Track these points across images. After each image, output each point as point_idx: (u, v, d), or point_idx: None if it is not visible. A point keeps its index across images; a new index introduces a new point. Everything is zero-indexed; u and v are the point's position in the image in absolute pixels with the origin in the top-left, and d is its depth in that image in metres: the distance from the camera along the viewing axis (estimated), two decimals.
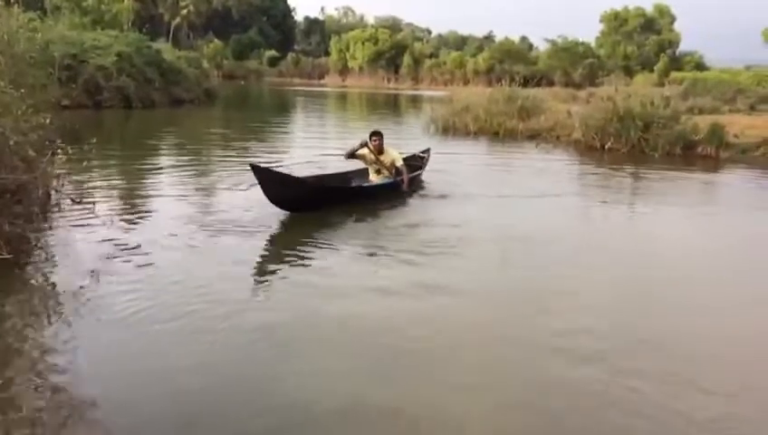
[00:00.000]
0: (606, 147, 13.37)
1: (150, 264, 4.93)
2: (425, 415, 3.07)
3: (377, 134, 7.69)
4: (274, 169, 7.16)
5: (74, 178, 7.03)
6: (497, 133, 15.71)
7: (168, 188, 8.21)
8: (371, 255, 5.52)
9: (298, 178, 6.88)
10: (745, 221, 7.75)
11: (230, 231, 5.94)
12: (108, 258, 4.97)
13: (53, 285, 4.48)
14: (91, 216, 6.01)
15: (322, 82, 59.66)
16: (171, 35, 53.33)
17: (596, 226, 7.45)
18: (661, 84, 29.72)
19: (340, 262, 5.30)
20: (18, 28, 7.59)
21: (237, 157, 11.08)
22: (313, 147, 13.10)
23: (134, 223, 6.30)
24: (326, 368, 3.48)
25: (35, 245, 5.17)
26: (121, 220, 6.26)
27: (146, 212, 6.98)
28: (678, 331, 4.22)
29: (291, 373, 3.39)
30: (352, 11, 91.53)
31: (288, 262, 5.38)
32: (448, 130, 16.34)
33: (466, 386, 3.37)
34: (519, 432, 3.03)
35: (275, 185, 6.41)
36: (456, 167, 10.48)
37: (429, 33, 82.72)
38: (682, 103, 16.37)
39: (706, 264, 5.98)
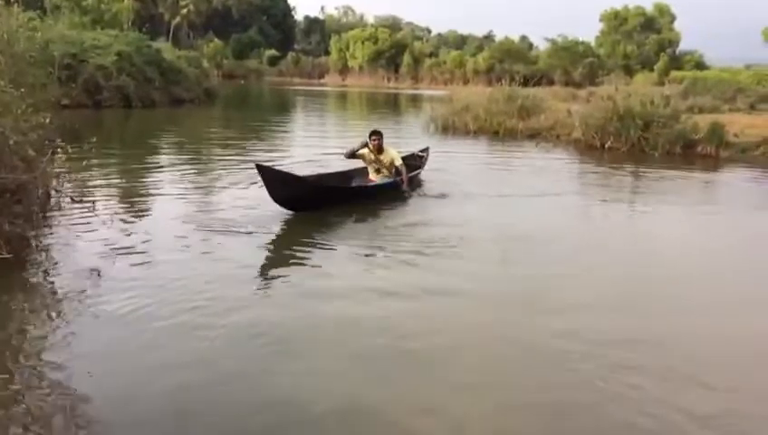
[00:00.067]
0: (606, 146, 13.37)
1: (150, 262, 4.94)
2: (424, 415, 3.08)
3: (376, 133, 7.69)
4: (277, 168, 7.15)
5: (74, 177, 7.02)
6: (497, 132, 15.71)
7: (168, 187, 8.21)
8: (371, 255, 5.51)
9: (299, 177, 6.88)
10: (745, 220, 7.75)
11: (229, 230, 5.95)
12: (107, 257, 4.98)
13: (53, 283, 4.49)
14: (90, 215, 6.01)
15: (322, 81, 59.63)
16: (171, 35, 53.32)
17: (596, 225, 7.45)
18: (661, 83, 29.73)
19: (339, 262, 5.30)
20: (18, 27, 7.58)
21: (237, 156, 11.08)
22: (313, 146, 13.11)
23: (134, 222, 6.31)
24: (324, 367, 3.48)
25: (35, 244, 5.18)
26: (121, 219, 6.27)
27: (145, 211, 6.99)
28: (678, 329, 4.22)
29: (289, 372, 3.40)
30: (352, 10, 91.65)
31: (287, 261, 5.38)
32: (448, 129, 16.34)
33: (466, 385, 3.37)
34: (520, 431, 3.03)
35: (278, 184, 6.42)
36: (456, 166, 10.48)
37: (429, 32, 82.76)
38: (682, 102, 16.36)
39: (706, 263, 5.98)
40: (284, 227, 6.31)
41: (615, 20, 52.10)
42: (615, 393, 3.31)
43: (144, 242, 5.48)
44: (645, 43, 50.19)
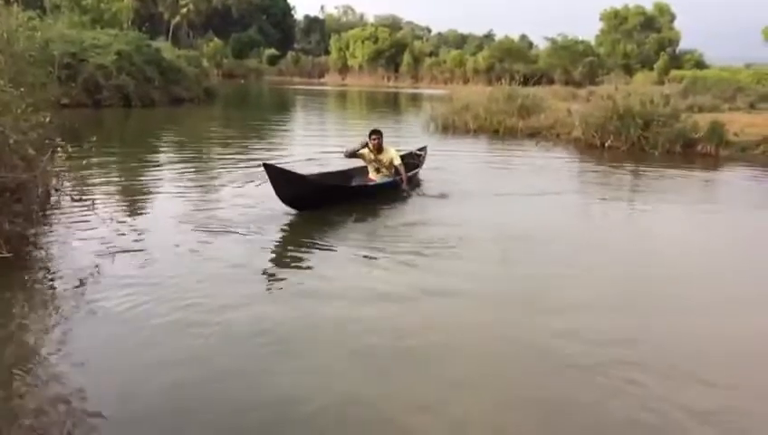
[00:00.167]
0: (606, 145, 13.37)
1: (148, 261, 4.95)
2: (424, 412, 3.08)
3: (376, 133, 7.69)
4: (283, 166, 7.12)
5: (74, 176, 7.03)
6: (497, 131, 15.71)
7: (167, 185, 8.22)
8: (370, 254, 5.50)
9: (303, 176, 6.88)
10: (745, 219, 7.75)
11: (229, 229, 5.95)
12: (107, 255, 4.99)
13: (52, 282, 4.50)
14: (90, 214, 6.01)
15: (322, 80, 59.59)
16: (171, 34, 53.30)
17: (596, 224, 7.45)
18: (661, 82, 29.77)
19: (338, 261, 5.29)
20: (18, 27, 7.57)
21: (237, 155, 11.08)
22: (313, 145, 13.12)
23: (133, 221, 6.31)
24: (322, 365, 3.48)
25: (35, 243, 5.18)
26: (120, 218, 6.27)
27: (145, 210, 6.99)
28: (678, 328, 4.22)
29: (287, 370, 3.40)
30: (352, 9, 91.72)
31: (285, 260, 5.38)
32: (448, 128, 16.34)
33: (466, 383, 3.38)
34: (520, 427, 3.03)
35: (284, 183, 6.43)
36: (456, 165, 10.48)
37: (429, 31, 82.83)
38: (682, 101, 16.36)
39: (706, 261, 5.98)
40: (283, 225, 6.31)
41: (615, 19, 52.08)
42: (615, 389, 3.32)
43: (143, 240, 5.48)
44: (645, 42, 50.17)
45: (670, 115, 13.25)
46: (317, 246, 5.68)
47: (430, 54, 60.43)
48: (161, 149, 12.54)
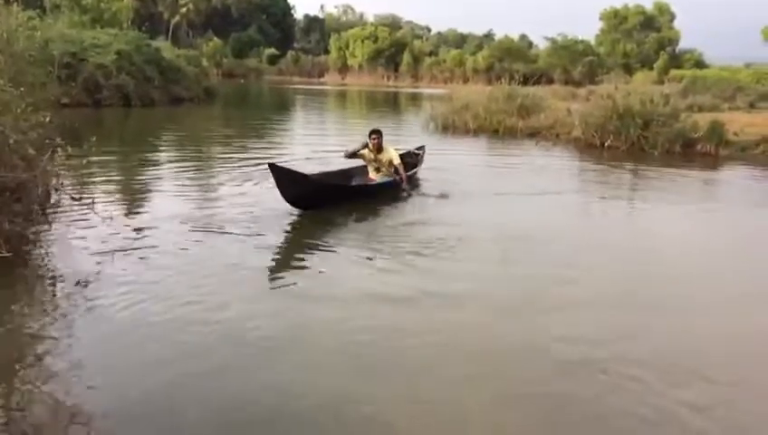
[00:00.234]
0: (606, 144, 13.37)
1: (147, 260, 4.95)
2: (425, 408, 3.09)
3: (376, 132, 7.70)
4: (287, 166, 7.10)
5: (74, 175, 7.03)
6: (497, 131, 15.71)
7: (167, 185, 8.22)
8: (370, 254, 5.50)
9: (306, 175, 6.88)
10: (745, 218, 7.76)
11: (228, 229, 5.95)
12: (106, 255, 4.99)
13: (52, 281, 4.50)
14: (90, 213, 6.00)
15: (322, 80, 59.56)
16: (171, 34, 53.26)
17: (596, 223, 7.46)
18: (661, 82, 29.74)
19: (337, 261, 5.30)
20: (17, 26, 7.57)
21: (236, 154, 11.08)
22: (313, 144, 13.12)
23: (133, 220, 6.30)
24: (321, 364, 3.49)
25: (35, 242, 5.19)
26: (120, 217, 6.27)
27: (144, 209, 6.99)
28: (678, 326, 4.23)
29: (285, 367, 3.41)
30: (352, 9, 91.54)
31: (284, 260, 5.39)
32: (448, 127, 16.34)
33: (466, 379, 3.39)
34: (521, 422, 3.04)
35: (289, 183, 6.43)
36: (456, 165, 10.48)
37: (429, 31, 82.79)
38: (681, 101, 16.36)
39: (706, 260, 5.99)
40: (283, 225, 6.31)
41: (615, 18, 52.08)
42: (615, 385, 3.35)
43: (142, 240, 5.49)
44: (644, 41, 50.18)
45: (670, 115, 13.25)
46: (316, 245, 5.68)
47: (430, 54, 60.44)
48: (161, 148, 12.54)
